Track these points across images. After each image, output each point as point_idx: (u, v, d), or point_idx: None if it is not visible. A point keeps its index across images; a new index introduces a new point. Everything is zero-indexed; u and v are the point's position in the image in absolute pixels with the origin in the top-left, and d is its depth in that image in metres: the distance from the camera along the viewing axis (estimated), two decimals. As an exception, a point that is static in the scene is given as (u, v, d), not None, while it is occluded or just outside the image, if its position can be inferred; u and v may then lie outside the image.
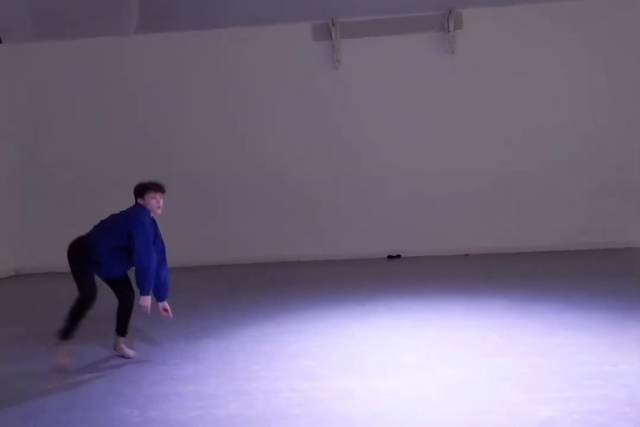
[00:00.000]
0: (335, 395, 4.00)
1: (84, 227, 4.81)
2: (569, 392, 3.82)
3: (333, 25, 9.19)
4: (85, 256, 4.69)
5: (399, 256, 9.53)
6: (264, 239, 9.55)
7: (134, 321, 5.06)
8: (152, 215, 4.86)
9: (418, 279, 7.74)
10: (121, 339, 4.97)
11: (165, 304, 4.91)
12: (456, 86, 9.20)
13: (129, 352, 4.97)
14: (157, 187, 4.84)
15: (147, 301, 4.70)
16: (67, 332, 4.69)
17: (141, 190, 4.82)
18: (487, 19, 9.10)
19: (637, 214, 9.05)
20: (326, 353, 4.87)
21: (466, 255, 9.26)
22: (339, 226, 9.48)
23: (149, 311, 4.73)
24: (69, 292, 4.88)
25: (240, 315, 6.24)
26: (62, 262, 4.87)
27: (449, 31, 9.07)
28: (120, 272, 4.88)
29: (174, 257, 9.18)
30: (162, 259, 4.91)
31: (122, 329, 4.94)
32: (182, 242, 9.36)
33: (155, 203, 4.81)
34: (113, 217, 4.88)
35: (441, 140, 9.27)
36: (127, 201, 4.86)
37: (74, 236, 4.75)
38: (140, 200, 4.83)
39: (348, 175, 9.45)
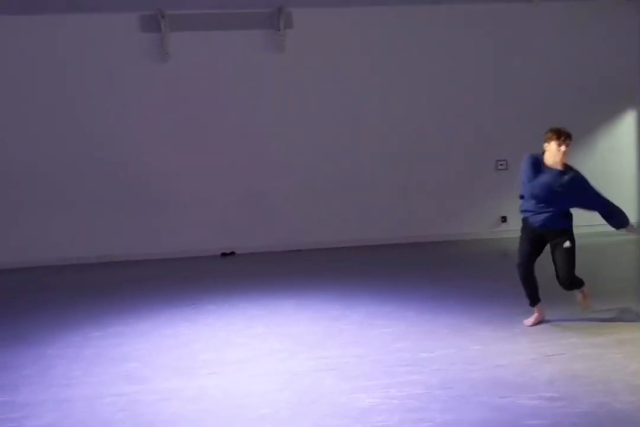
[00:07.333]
0: (160, 397, 3.92)
1: None
2: (387, 379, 4.03)
3: (162, 17, 8.93)
4: None
5: (233, 253, 9.49)
6: (86, 237, 9.06)
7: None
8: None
9: (251, 276, 7.74)
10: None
11: None
12: (286, 84, 9.31)
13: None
14: None
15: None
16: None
17: None
18: (317, 19, 9.30)
19: (444, 210, 9.70)
20: (152, 355, 4.75)
21: (299, 250, 9.43)
22: (171, 222, 9.24)
23: None
24: None
25: (60, 319, 5.85)
26: None
27: (279, 30, 9.16)
28: None
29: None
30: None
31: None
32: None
33: None
34: None
35: (271, 136, 9.34)
36: None
37: None
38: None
39: (178, 171, 9.22)
